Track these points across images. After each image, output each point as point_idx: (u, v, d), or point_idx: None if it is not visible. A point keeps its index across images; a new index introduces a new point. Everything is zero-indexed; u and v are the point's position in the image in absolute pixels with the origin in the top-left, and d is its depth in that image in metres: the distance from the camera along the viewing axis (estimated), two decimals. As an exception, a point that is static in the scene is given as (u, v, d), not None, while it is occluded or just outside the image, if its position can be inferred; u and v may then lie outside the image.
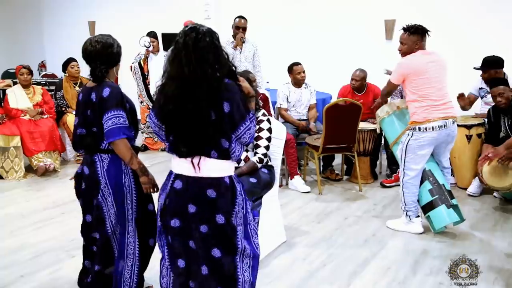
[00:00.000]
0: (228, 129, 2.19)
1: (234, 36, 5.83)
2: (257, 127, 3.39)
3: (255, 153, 3.40)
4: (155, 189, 2.71)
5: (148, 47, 6.57)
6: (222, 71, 2.20)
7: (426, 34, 3.88)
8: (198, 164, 2.19)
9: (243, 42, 5.82)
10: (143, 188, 2.67)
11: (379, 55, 6.24)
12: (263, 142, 3.40)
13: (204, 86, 2.12)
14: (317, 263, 3.49)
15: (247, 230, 2.36)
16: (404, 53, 3.91)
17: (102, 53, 2.62)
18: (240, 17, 5.84)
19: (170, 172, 2.33)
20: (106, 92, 2.56)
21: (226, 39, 5.76)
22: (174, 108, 2.16)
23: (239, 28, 5.77)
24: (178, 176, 2.26)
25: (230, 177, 2.26)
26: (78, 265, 3.23)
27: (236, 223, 2.27)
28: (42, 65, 8.93)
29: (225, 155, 2.21)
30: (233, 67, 2.31)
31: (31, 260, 3.52)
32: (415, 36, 3.85)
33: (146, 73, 6.74)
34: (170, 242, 2.34)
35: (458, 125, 4.89)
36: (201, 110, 2.13)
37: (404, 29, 3.92)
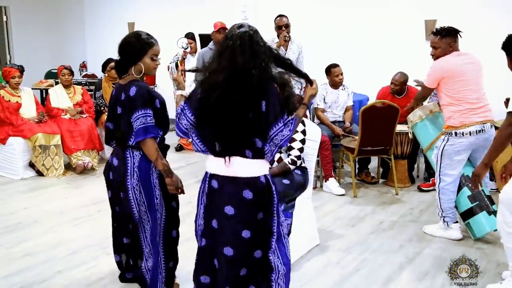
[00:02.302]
0: (264, 129, 2.19)
1: (278, 36, 5.56)
2: None
3: (288, 155, 3.37)
4: (179, 191, 2.71)
5: (185, 48, 6.64)
6: (266, 72, 2.20)
7: (458, 35, 3.75)
8: (232, 167, 2.19)
9: (288, 40, 5.53)
10: (168, 189, 2.69)
11: (418, 56, 6.09)
12: (296, 144, 3.36)
13: (253, 78, 2.12)
14: (351, 268, 3.43)
15: (279, 230, 2.36)
16: (437, 57, 3.78)
17: (119, 50, 2.72)
18: (280, 15, 5.61)
19: (206, 173, 2.34)
20: (132, 91, 2.60)
21: (271, 38, 5.59)
22: (220, 96, 2.14)
23: (281, 27, 5.50)
24: (213, 176, 2.28)
25: (265, 176, 2.26)
26: (113, 262, 3.30)
27: (273, 223, 2.29)
28: (83, 66, 9.15)
29: (259, 154, 2.22)
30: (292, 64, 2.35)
31: (68, 256, 3.61)
32: (448, 38, 3.73)
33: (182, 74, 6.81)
34: (202, 245, 2.38)
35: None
36: (245, 103, 2.13)
37: (434, 33, 3.81)
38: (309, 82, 2.42)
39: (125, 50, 2.70)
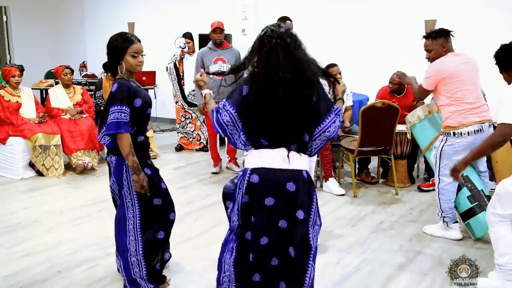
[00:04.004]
0: (313, 123, 2.21)
1: None
2: None
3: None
4: (143, 191, 2.78)
5: (183, 48, 6.64)
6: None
7: (450, 35, 3.76)
8: (287, 156, 2.21)
9: None
10: (134, 186, 2.80)
11: (419, 56, 6.09)
12: None
13: (312, 70, 2.18)
14: (351, 268, 3.43)
15: (317, 230, 2.37)
16: (432, 59, 3.79)
17: (106, 52, 2.87)
18: (286, 18, 5.32)
19: (245, 170, 2.32)
20: (114, 87, 2.75)
21: None
22: (285, 91, 2.15)
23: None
24: (255, 171, 2.25)
25: (307, 172, 2.27)
26: (113, 262, 3.32)
27: (312, 221, 2.28)
28: (83, 66, 9.15)
29: (303, 149, 2.24)
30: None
31: (68, 256, 3.60)
32: (440, 39, 3.75)
33: (181, 74, 6.81)
34: (243, 238, 2.33)
35: (501, 129, 4.75)
36: (304, 97, 2.18)
37: (425, 36, 3.84)
38: (336, 80, 2.51)
39: (109, 50, 2.84)
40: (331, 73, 2.47)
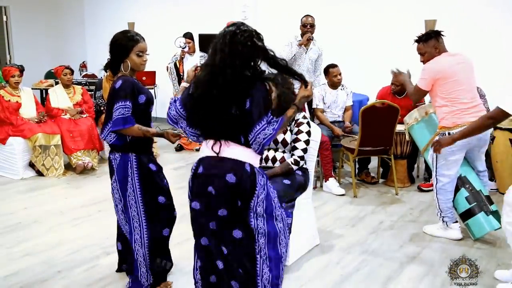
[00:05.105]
0: (246, 127, 2.19)
1: (302, 35, 5.66)
2: (296, 129, 3.40)
3: (292, 155, 3.38)
4: (178, 138, 2.87)
5: (183, 48, 6.63)
6: (254, 71, 2.20)
7: (441, 35, 3.76)
8: (219, 148, 2.24)
9: (311, 40, 5.65)
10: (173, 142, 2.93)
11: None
12: (301, 145, 3.37)
13: (228, 76, 2.14)
14: (351, 268, 3.43)
15: (274, 225, 2.31)
16: (427, 62, 3.80)
17: (109, 50, 2.85)
18: (307, 15, 5.70)
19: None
20: (118, 84, 2.75)
21: (294, 36, 5.69)
22: (201, 93, 2.20)
23: (306, 26, 5.60)
24: (201, 161, 2.31)
25: (251, 165, 2.24)
26: (113, 262, 3.33)
27: (253, 211, 2.24)
28: (83, 66, 9.14)
29: (245, 144, 2.23)
30: (285, 68, 2.30)
31: (68, 256, 3.60)
32: (430, 41, 3.75)
33: (181, 74, 6.82)
34: (193, 226, 2.40)
35: (502, 129, 4.75)
36: (225, 99, 2.16)
37: (416, 41, 3.85)
38: (304, 83, 2.39)
39: (113, 48, 2.82)
40: (300, 74, 2.37)
